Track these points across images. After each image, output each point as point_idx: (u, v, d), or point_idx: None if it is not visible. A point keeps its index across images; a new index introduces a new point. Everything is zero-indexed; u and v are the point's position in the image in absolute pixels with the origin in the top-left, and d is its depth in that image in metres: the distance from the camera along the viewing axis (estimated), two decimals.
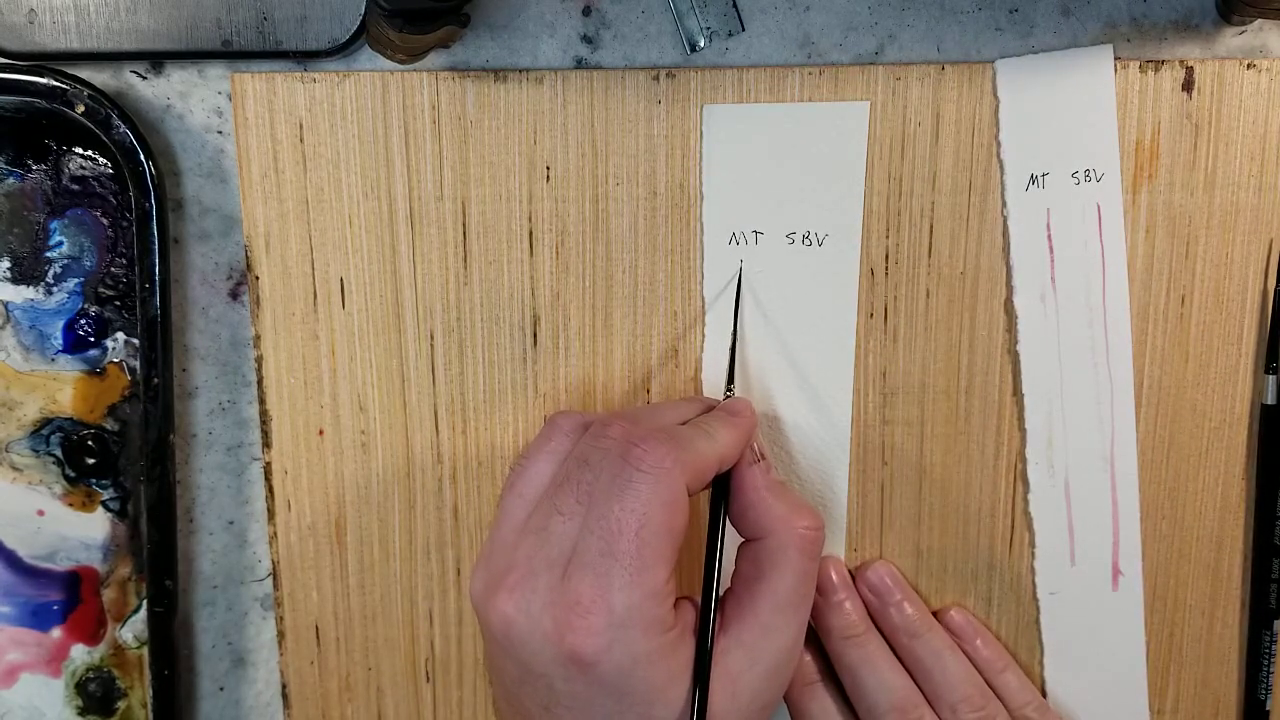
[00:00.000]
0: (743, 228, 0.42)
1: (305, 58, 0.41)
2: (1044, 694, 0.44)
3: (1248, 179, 0.43)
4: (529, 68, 0.42)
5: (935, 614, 0.44)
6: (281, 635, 0.44)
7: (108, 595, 0.44)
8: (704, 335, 0.43)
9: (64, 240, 0.43)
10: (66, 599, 0.44)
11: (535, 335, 0.43)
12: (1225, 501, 0.44)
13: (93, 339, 0.43)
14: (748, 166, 0.42)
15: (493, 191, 0.42)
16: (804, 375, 0.43)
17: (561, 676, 0.34)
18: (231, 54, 0.41)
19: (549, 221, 0.42)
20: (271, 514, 0.43)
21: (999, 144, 0.42)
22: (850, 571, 0.44)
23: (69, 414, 0.43)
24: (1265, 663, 0.45)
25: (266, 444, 0.43)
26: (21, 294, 0.43)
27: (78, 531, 0.44)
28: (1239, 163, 0.42)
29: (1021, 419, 0.43)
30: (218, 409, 0.44)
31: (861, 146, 0.42)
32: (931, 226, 0.43)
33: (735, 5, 0.42)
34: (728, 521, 0.39)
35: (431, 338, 0.43)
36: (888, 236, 0.42)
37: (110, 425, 0.43)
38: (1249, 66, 0.42)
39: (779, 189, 0.42)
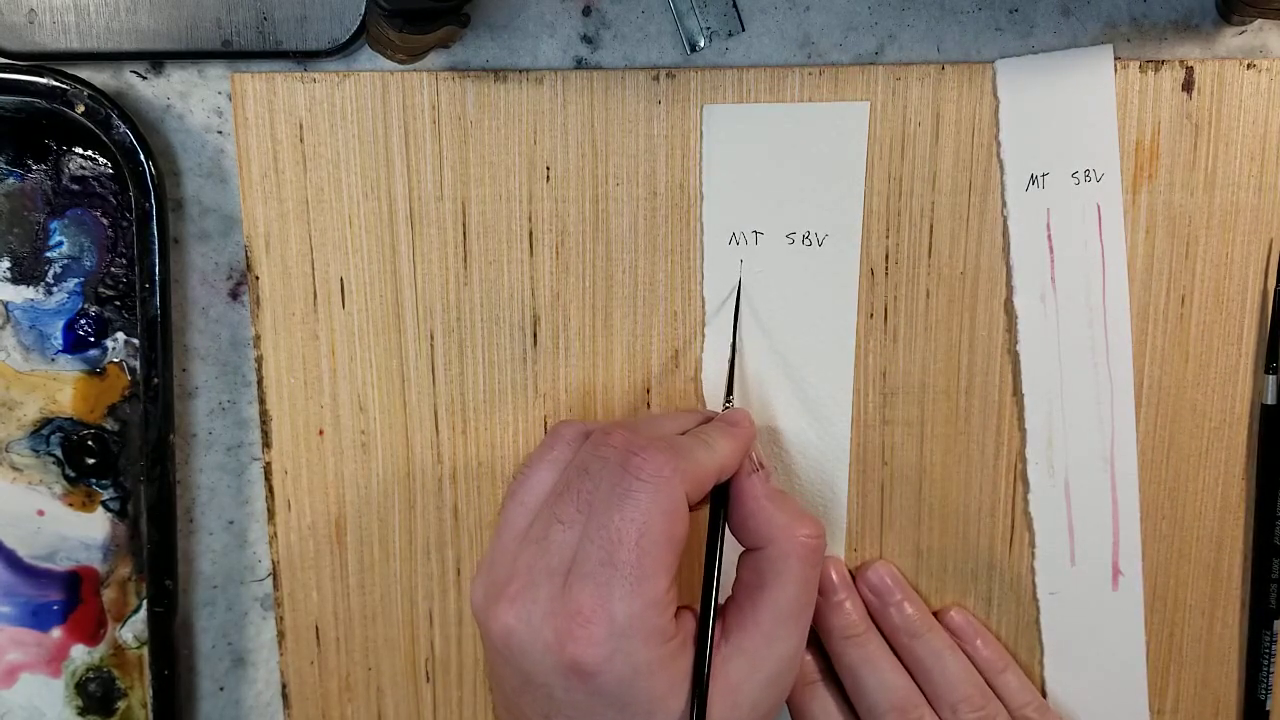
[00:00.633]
0: (743, 228, 0.42)
1: (305, 58, 0.41)
2: (1044, 694, 0.44)
3: (1248, 179, 0.43)
4: (529, 68, 0.42)
5: (935, 614, 0.44)
6: (281, 635, 0.44)
7: (108, 595, 0.44)
8: (704, 338, 0.43)
9: (64, 240, 0.43)
10: (66, 599, 0.44)
11: (535, 335, 0.43)
12: (1225, 501, 0.44)
13: (93, 339, 0.43)
14: (748, 166, 0.42)
15: (493, 191, 0.42)
16: (803, 385, 0.43)
17: (562, 686, 0.34)
18: (231, 54, 0.41)
19: (549, 221, 0.42)
20: (271, 514, 0.43)
21: (999, 144, 0.42)
22: (850, 571, 0.44)
23: (69, 414, 0.43)
24: (1265, 663, 0.45)
25: (266, 444, 0.43)
26: (21, 294, 0.43)
27: (78, 531, 0.44)
28: (1239, 163, 0.42)
29: (1021, 419, 0.43)
30: (218, 409, 0.44)
31: (861, 146, 0.42)
32: (931, 226, 0.43)
33: (735, 5, 0.42)
34: (728, 530, 0.39)
35: (431, 338, 0.43)
36: (888, 236, 0.42)
37: (110, 425, 0.43)
38: (1249, 66, 0.42)
39: (779, 189, 0.42)
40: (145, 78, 0.42)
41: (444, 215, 0.42)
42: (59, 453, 0.43)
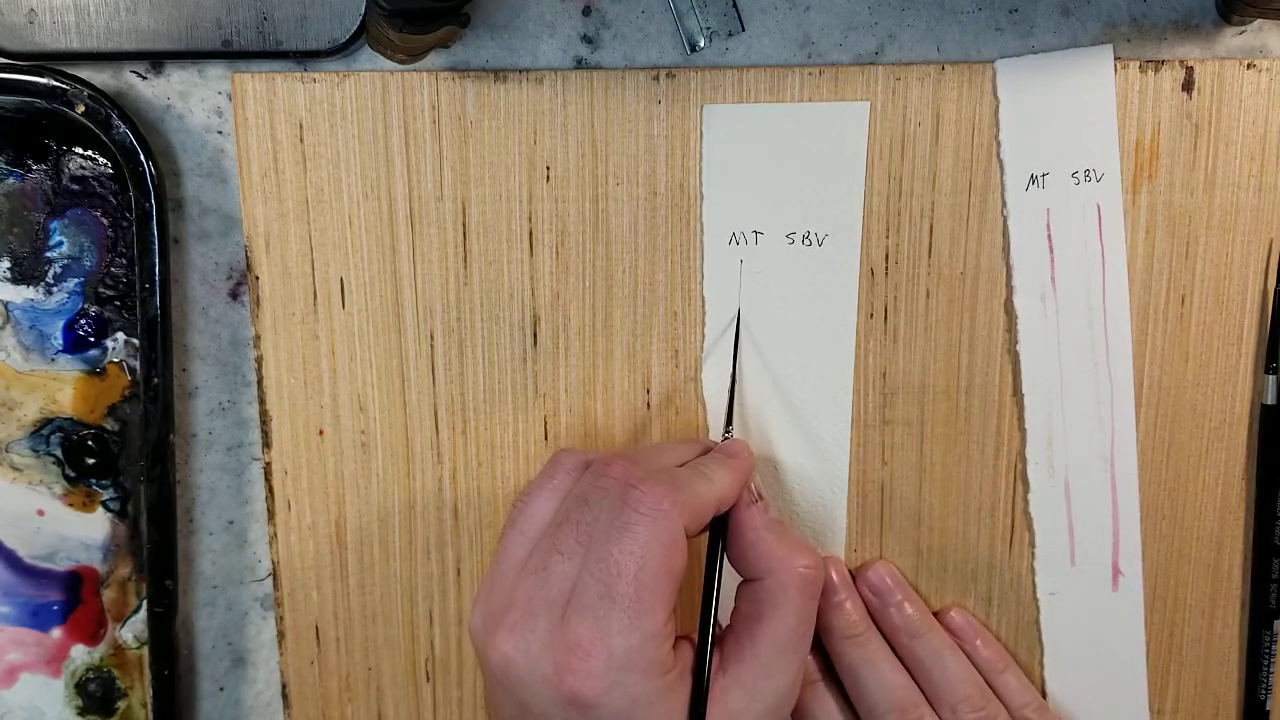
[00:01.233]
0: (743, 228, 0.42)
1: (305, 58, 0.41)
2: (1044, 694, 0.44)
3: (1248, 179, 0.43)
4: (529, 68, 0.42)
5: (935, 614, 0.44)
6: (281, 635, 0.44)
7: (108, 595, 0.44)
8: (703, 338, 0.43)
9: (64, 240, 0.43)
10: (66, 599, 0.44)
11: (535, 335, 0.43)
12: (1225, 501, 0.44)
13: (93, 339, 0.43)
14: (748, 166, 0.42)
15: (493, 191, 0.42)
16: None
17: (561, 718, 0.35)
18: (231, 54, 0.41)
19: (549, 221, 0.42)
20: (271, 514, 0.43)
21: (999, 144, 0.42)
22: (850, 571, 0.44)
23: (69, 414, 0.43)
24: (1265, 663, 0.45)
25: (266, 444, 0.43)
26: (21, 294, 0.43)
27: (78, 531, 0.44)
28: (1239, 163, 0.42)
29: (1021, 419, 0.43)
30: (218, 409, 0.44)
31: (861, 146, 0.42)
32: (931, 226, 0.43)
33: (735, 5, 0.42)
34: (727, 561, 0.39)
35: (431, 338, 0.43)
36: (888, 236, 0.42)
37: (110, 425, 0.43)
38: (1249, 66, 0.42)
39: (779, 189, 0.42)
40: (145, 78, 0.42)
41: (444, 215, 0.42)
42: (59, 453, 0.43)
